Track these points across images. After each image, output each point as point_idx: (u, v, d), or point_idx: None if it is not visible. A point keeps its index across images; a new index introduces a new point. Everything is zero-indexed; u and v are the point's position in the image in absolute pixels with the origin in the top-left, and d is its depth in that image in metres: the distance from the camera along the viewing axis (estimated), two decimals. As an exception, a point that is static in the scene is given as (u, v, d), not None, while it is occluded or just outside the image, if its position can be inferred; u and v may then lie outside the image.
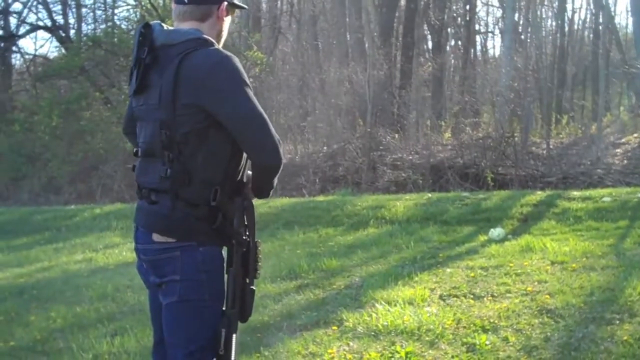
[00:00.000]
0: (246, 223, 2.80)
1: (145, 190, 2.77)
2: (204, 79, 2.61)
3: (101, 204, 18.17)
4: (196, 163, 2.67)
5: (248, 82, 2.69)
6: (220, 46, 2.81)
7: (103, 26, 27.53)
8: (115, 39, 23.41)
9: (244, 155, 2.78)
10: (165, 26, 2.78)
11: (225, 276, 2.78)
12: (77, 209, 16.57)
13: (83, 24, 28.49)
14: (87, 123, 22.16)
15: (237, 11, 3.04)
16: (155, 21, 2.83)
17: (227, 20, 2.91)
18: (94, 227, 13.76)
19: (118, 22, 27.19)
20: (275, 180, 2.84)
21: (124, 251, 10.43)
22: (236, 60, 2.69)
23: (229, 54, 2.69)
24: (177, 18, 2.83)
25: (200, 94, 2.61)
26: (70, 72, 23.15)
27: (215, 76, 2.62)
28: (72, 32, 27.61)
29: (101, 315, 6.59)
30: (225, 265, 2.78)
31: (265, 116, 2.68)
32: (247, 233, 2.80)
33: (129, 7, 27.56)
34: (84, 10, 28.29)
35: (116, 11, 28.81)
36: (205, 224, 2.69)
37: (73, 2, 27.49)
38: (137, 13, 25.89)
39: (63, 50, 26.37)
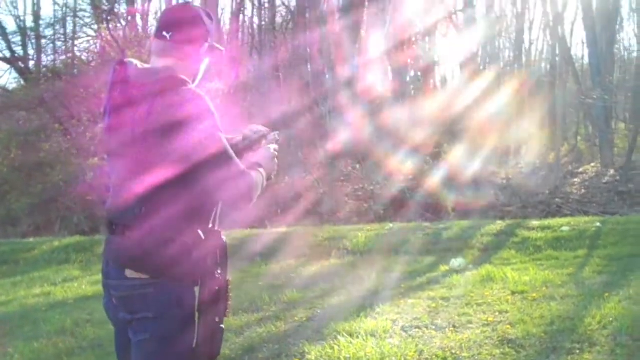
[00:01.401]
0: (219, 261, 2.79)
1: (117, 225, 2.74)
2: (176, 118, 2.60)
3: (60, 236, 17.91)
4: (170, 202, 2.65)
5: (217, 121, 2.68)
6: (194, 86, 2.80)
7: (63, 57, 27.40)
8: (75, 71, 23.27)
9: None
10: (140, 64, 2.77)
11: (197, 314, 2.74)
12: (35, 241, 16.32)
13: (43, 55, 28.37)
14: (46, 155, 21.92)
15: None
16: (130, 59, 2.82)
17: (205, 61, 2.91)
18: (53, 260, 13.55)
19: (78, 54, 27.09)
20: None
21: (83, 285, 10.29)
22: (207, 101, 2.68)
23: (201, 94, 2.69)
24: (155, 53, 2.82)
25: (174, 132, 2.60)
26: (29, 103, 22.95)
27: (186, 115, 2.61)
28: (31, 63, 27.44)
29: (60, 350, 6.44)
30: (197, 303, 2.74)
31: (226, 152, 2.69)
32: (220, 271, 2.78)
33: (89, 38, 27.50)
34: (43, 41, 28.19)
35: (76, 42, 28.72)
36: (180, 261, 2.66)
37: (32, 34, 27.35)
38: (97, 44, 25.81)
39: (22, 82, 26.19)
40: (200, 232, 2.72)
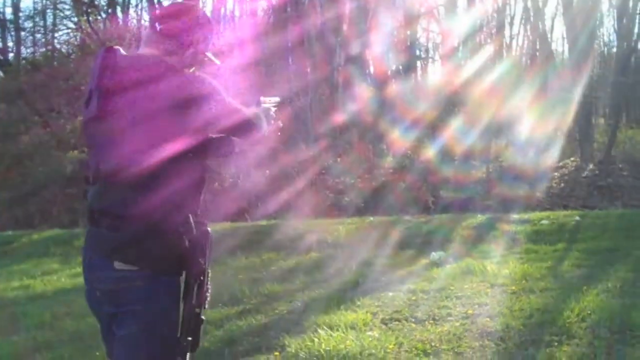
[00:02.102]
0: (204, 251, 2.78)
1: (104, 216, 2.69)
2: (186, 96, 2.61)
3: (40, 229, 17.82)
4: (168, 189, 2.63)
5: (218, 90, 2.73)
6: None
7: (43, 50, 27.19)
8: (55, 63, 23.12)
9: (206, 178, 2.80)
10: (124, 52, 2.75)
11: (181, 305, 2.74)
12: (14, 234, 16.24)
13: (22, 48, 28.12)
14: (25, 147, 21.78)
15: None
16: (116, 46, 2.79)
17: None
18: (32, 253, 13.49)
19: (58, 46, 26.91)
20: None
21: (63, 277, 10.25)
22: (210, 80, 2.71)
23: (202, 75, 2.71)
24: (144, 42, 2.82)
25: (177, 116, 2.60)
26: (8, 95, 22.78)
27: (189, 96, 2.63)
28: (10, 55, 27.22)
29: (39, 344, 6.39)
30: (181, 293, 2.74)
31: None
32: (202, 261, 2.77)
33: (69, 30, 27.29)
34: (23, 33, 27.95)
35: (56, 35, 28.52)
36: (170, 253, 2.65)
37: (12, 26, 27.13)
38: (78, 37, 25.63)
39: (1, 74, 25.97)
40: (191, 221, 2.71)
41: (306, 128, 20.48)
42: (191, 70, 2.84)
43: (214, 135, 2.81)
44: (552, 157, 22.36)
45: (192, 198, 2.74)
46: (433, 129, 21.89)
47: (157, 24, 2.81)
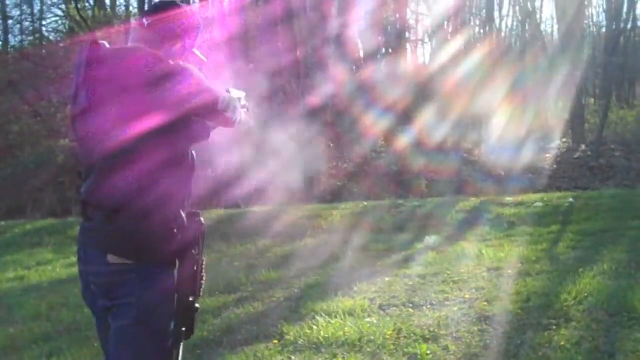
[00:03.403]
0: (197, 242, 2.81)
1: (98, 209, 2.68)
2: (173, 94, 2.61)
3: (32, 219, 17.74)
4: (162, 178, 2.64)
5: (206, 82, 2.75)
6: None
7: (30, 38, 27.03)
8: (44, 51, 22.98)
9: (194, 167, 2.80)
10: (108, 45, 2.73)
11: (175, 295, 2.75)
12: (6, 224, 16.15)
13: (10, 36, 27.96)
14: (15, 137, 21.69)
15: None
16: (101, 40, 2.77)
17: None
18: (25, 243, 13.43)
19: (46, 34, 26.75)
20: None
21: (57, 267, 10.22)
22: (193, 68, 2.72)
23: (185, 64, 2.71)
24: (132, 39, 2.82)
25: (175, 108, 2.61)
26: (-2, 85, 22.68)
27: (184, 90, 2.63)
28: (-2, 44, 27.06)
29: (35, 335, 6.38)
30: (175, 284, 2.75)
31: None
32: (195, 251, 2.79)
33: (57, 17, 27.13)
34: (10, 21, 27.77)
35: (44, 22, 28.35)
36: (163, 245, 2.66)
37: (-1, 14, 26.97)
38: (66, 24, 25.47)
39: (-11, 63, 25.80)
40: (183, 212, 2.72)
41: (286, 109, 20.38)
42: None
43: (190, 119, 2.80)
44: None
45: (182, 187, 2.75)
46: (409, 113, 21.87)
47: (144, 19, 2.82)
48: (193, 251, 2.78)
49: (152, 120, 2.59)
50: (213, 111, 2.81)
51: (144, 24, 2.79)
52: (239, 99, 3.14)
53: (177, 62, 2.71)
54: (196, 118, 2.79)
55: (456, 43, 27.20)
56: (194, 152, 2.81)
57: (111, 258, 2.63)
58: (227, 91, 3.08)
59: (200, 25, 2.97)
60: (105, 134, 2.64)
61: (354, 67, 26.53)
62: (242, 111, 3.12)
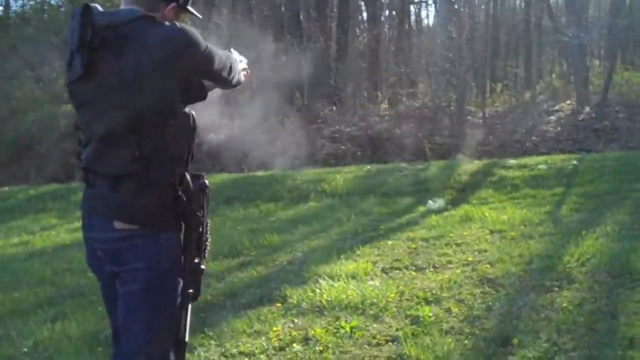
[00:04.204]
0: (202, 204, 2.80)
1: (102, 176, 2.67)
2: (170, 53, 2.57)
3: (36, 185, 17.75)
4: (164, 143, 2.62)
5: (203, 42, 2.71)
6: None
7: (32, 2, 26.85)
8: (45, 16, 22.84)
9: (195, 129, 2.78)
10: (101, 9, 2.69)
11: (182, 258, 2.76)
12: (10, 190, 16.17)
13: (11, 1, 27.77)
14: (18, 102, 21.63)
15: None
16: (92, 4, 2.72)
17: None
18: (29, 209, 13.46)
19: (47, -1, 26.55)
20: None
21: (62, 233, 10.25)
22: (189, 28, 2.67)
23: (182, 26, 2.66)
24: (125, 1, 2.75)
25: (171, 66, 2.58)
26: (0, 50, 22.55)
27: (179, 48, 2.59)
28: (0, 9, 26.88)
29: (40, 300, 6.42)
30: (182, 247, 2.76)
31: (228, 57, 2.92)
32: (200, 213, 2.79)
33: (59, -18, 26.89)
34: (11, -13, 27.56)
35: (45, -13, 28.11)
36: (169, 209, 2.67)
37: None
38: (67, -11, 25.28)
39: (-8, 28, 25.68)
40: (187, 175, 2.72)
41: (300, 77, 20.33)
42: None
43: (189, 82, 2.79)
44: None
45: (185, 150, 2.73)
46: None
47: None
48: (198, 213, 2.77)
49: (151, 87, 2.57)
50: (209, 71, 2.78)
51: None
52: (241, 60, 3.12)
53: (172, 24, 2.68)
54: (193, 78, 2.77)
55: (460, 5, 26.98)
56: (194, 113, 2.78)
57: (117, 224, 2.63)
58: (229, 51, 3.06)
59: None
60: (103, 102, 2.62)
61: (357, 30, 26.41)
62: (242, 73, 3.10)
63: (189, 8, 2.87)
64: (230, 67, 2.90)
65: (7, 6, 27.10)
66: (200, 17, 3.09)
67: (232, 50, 3.12)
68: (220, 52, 2.85)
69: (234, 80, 2.99)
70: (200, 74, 2.79)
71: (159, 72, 2.55)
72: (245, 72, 3.20)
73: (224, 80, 2.92)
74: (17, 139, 21.28)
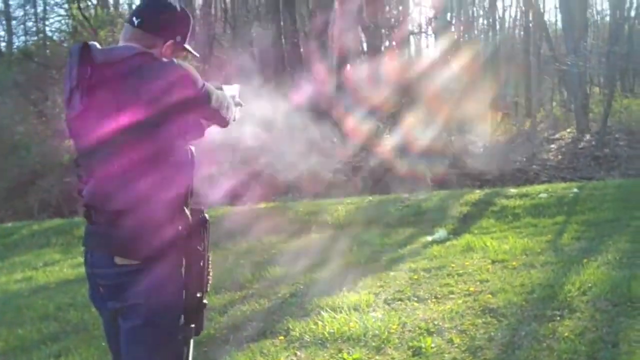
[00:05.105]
0: (202, 238, 2.83)
1: (102, 213, 2.70)
2: (167, 90, 2.61)
3: (39, 220, 17.77)
4: (164, 179, 2.65)
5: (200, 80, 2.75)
6: None
7: (34, 38, 27.06)
8: (48, 51, 23.02)
9: (195, 164, 2.81)
10: (99, 46, 2.74)
11: (184, 293, 2.78)
12: (14, 226, 16.18)
13: (14, 37, 27.98)
14: (21, 138, 21.73)
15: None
16: (91, 42, 2.77)
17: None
18: (33, 244, 13.46)
19: (50, 34, 26.78)
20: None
21: (65, 268, 10.26)
22: (187, 66, 2.72)
23: (180, 63, 2.70)
24: (123, 38, 2.81)
25: (168, 103, 2.61)
26: (2, 86, 22.71)
27: (176, 85, 2.64)
28: (2, 45, 27.11)
29: (44, 336, 6.42)
30: (183, 282, 2.78)
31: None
32: (201, 247, 2.82)
33: (60, 17, 27.14)
34: (14, 22, 27.78)
35: (47, 22, 28.34)
36: (169, 243, 2.69)
37: (2, 15, 26.97)
38: (69, 24, 25.50)
39: (-6, 65, 25.85)
40: (187, 211, 2.75)
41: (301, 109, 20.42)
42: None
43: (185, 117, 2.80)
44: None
45: (184, 185, 2.76)
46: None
47: (134, 19, 2.81)
48: (199, 247, 2.80)
49: (147, 120, 2.60)
50: (206, 109, 2.83)
51: (133, 22, 2.79)
52: (233, 96, 3.17)
53: (170, 60, 2.73)
54: (190, 116, 2.80)
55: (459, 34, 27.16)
56: (193, 149, 2.81)
57: (118, 260, 2.67)
58: (220, 89, 3.09)
59: (191, 21, 2.97)
60: (102, 139, 2.66)
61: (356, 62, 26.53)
62: (237, 109, 3.15)
63: (186, 46, 2.93)
64: (227, 106, 2.96)
65: (9, 42, 27.34)
66: (198, 55, 3.15)
67: (222, 87, 3.17)
68: (218, 91, 2.90)
69: (230, 119, 3.04)
70: (197, 112, 2.81)
71: (156, 109, 2.59)
72: (238, 107, 3.25)
73: (220, 119, 2.96)
74: (20, 175, 21.34)
